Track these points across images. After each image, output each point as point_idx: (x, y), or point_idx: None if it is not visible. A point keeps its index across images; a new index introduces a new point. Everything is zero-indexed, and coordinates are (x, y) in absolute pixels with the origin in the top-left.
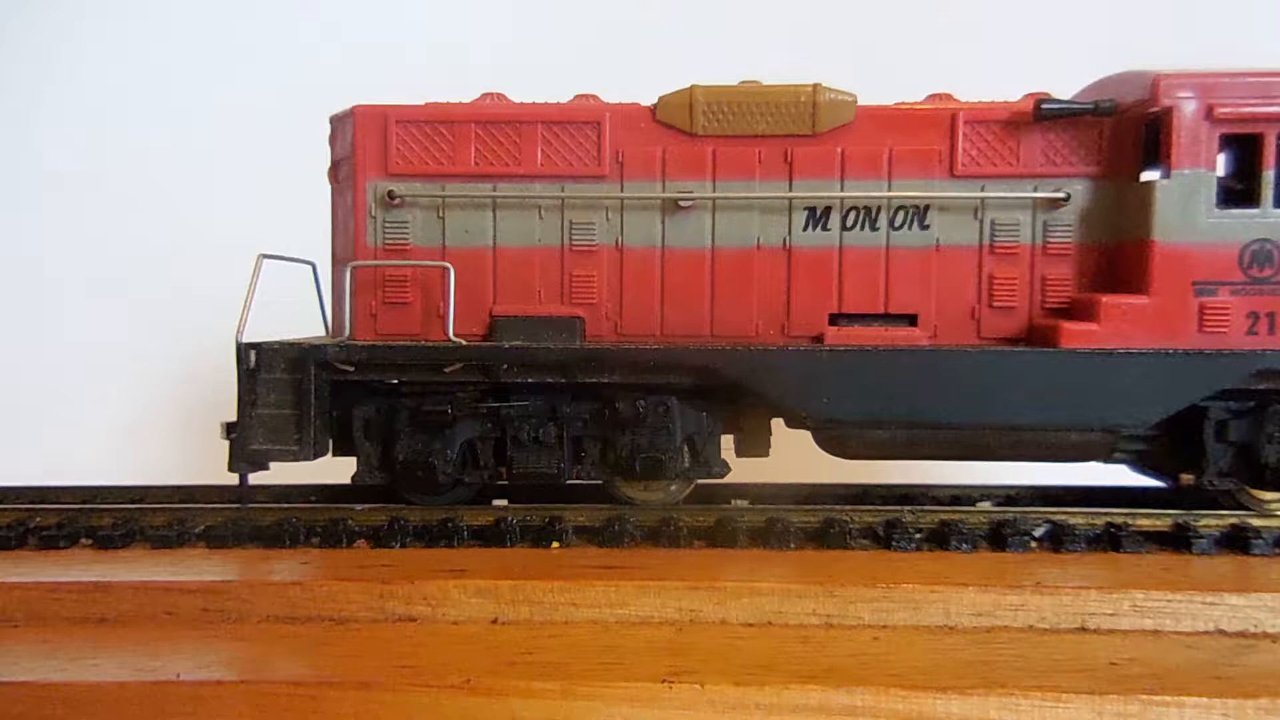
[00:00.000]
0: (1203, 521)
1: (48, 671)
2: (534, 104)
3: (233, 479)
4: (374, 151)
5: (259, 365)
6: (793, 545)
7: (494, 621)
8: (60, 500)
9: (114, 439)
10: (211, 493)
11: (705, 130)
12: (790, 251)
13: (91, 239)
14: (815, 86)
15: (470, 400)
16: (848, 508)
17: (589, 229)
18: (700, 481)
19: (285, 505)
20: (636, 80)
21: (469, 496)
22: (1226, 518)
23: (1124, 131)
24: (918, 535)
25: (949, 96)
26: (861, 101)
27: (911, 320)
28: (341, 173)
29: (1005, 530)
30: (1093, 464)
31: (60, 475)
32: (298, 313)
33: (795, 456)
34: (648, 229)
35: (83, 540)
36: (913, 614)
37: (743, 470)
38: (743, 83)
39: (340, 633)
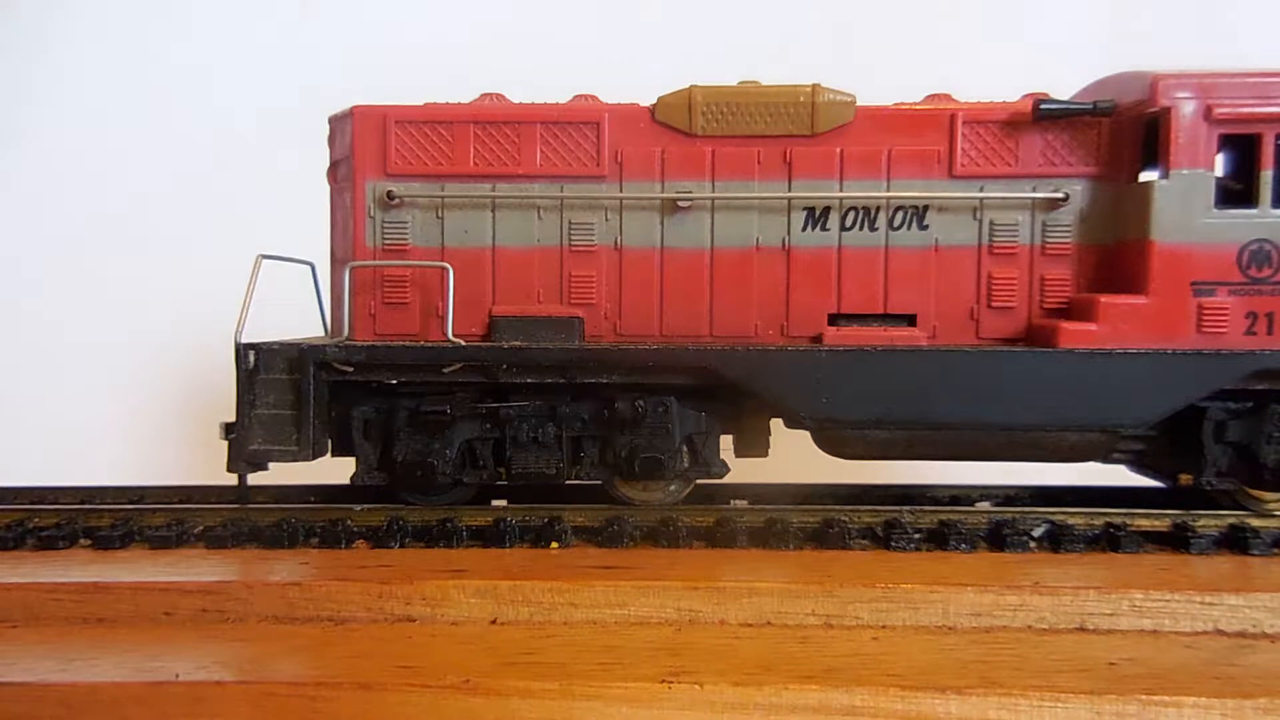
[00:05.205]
0: (1201, 522)
1: (46, 672)
2: (533, 104)
3: (232, 479)
4: (373, 152)
5: (258, 366)
6: (792, 545)
7: (493, 622)
8: (59, 501)
9: (114, 439)
10: (210, 493)
11: (704, 130)
12: (789, 252)
13: (91, 238)
14: (814, 87)
15: (469, 400)
16: (847, 508)
17: (588, 229)
18: (699, 481)
19: (284, 506)
20: (636, 80)
21: (468, 497)
22: (1225, 518)
23: (1123, 132)
24: (917, 535)
25: (948, 97)
26: (861, 101)
27: (910, 320)
28: (340, 173)
29: (1004, 530)
30: (1091, 464)
31: (59, 475)
32: (297, 312)
33: (794, 456)
34: (647, 229)
35: (81, 541)
36: (912, 614)
37: (742, 470)
38: (742, 83)
39: (339, 633)
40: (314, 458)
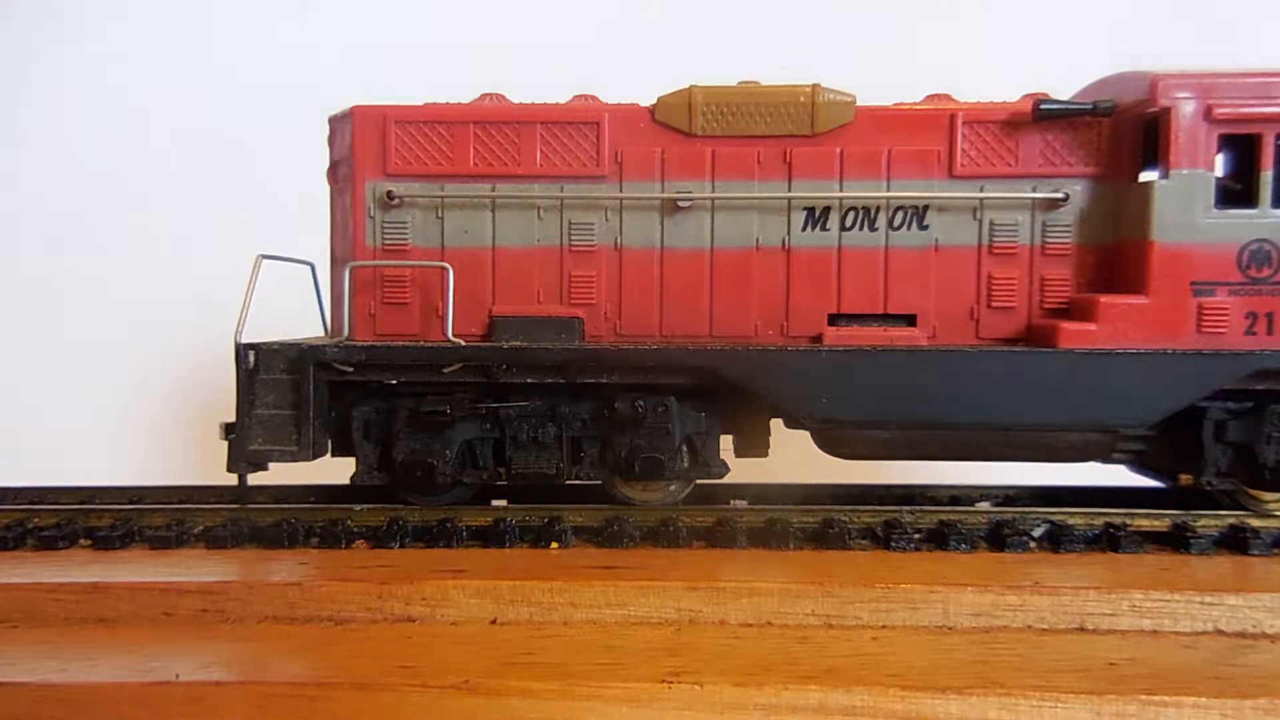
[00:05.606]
0: (1201, 522)
1: (46, 672)
2: (533, 104)
3: (231, 479)
4: (373, 152)
5: (258, 366)
6: (792, 546)
7: (493, 622)
8: (59, 501)
9: (114, 439)
10: (210, 493)
11: (704, 131)
12: (789, 252)
13: (91, 238)
14: (814, 87)
15: (469, 400)
16: (847, 508)
17: (588, 229)
18: (699, 481)
19: (284, 506)
20: (636, 80)
21: (468, 497)
22: (1225, 518)
23: (1123, 132)
24: (917, 535)
25: (948, 97)
26: (861, 102)
27: (910, 320)
28: (340, 173)
29: (1004, 530)
30: (1091, 464)
31: (59, 475)
32: (297, 312)
33: (794, 456)
34: (647, 229)
35: (81, 541)
36: (912, 614)
37: (742, 470)
38: (742, 83)
39: (339, 633)
40: (314, 458)
